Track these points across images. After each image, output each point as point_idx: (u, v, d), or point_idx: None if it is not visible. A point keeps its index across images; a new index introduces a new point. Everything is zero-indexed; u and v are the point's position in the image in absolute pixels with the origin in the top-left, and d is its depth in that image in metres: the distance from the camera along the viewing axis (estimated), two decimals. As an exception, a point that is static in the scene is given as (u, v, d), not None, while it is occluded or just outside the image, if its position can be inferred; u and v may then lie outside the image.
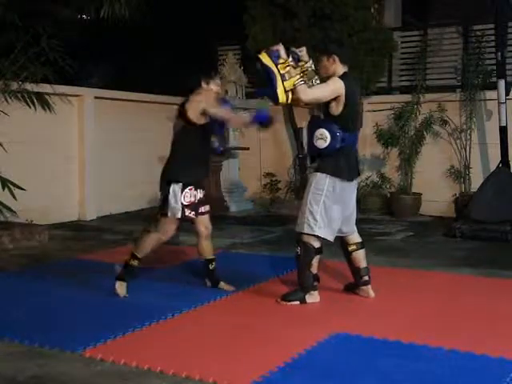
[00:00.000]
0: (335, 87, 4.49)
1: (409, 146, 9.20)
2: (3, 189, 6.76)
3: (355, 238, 4.86)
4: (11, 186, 6.79)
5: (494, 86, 8.14)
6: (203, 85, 4.73)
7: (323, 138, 4.51)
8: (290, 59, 4.52)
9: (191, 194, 4.67)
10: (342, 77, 4.54)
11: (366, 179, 9.59)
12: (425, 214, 9.17)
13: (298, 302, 4.66)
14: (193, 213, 4.70)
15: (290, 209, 9.03)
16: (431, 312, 4.50)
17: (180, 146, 4.72)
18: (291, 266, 5.65)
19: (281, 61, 4.42)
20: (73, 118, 8.61)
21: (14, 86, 7.02)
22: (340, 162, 4.57)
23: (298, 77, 4.47)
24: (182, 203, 4.60)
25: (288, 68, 4.42)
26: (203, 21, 10.71)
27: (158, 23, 10.09)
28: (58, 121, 8.15)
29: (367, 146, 9.76)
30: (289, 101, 4.51)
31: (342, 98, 4.49)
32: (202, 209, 4.84)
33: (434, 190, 9.22)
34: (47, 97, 7.49)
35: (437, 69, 9.70)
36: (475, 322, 4.25)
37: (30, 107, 7.27)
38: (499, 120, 8.04)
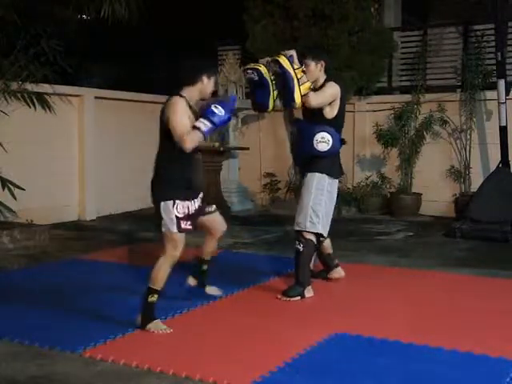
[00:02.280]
0: (334, 92, 4.73)
1: (409, 146, 9.20)
2: (3, 189, 6.76)
3: None
4: (11, 186, 6.79)
5: (494, 86, 8.14)
6: (204, 79, 4.19)
7: (325, 141, 4.70)
8: (303, 66, 4.64)
9: (184, 205, 4.16)
10: (335, 81, 4.76)
11: (366, 179, 9.60)
12: (425, 214, 9.16)
13: (298, 298, 4.74)
14: (189, 223, 4.18)
15: (290, 209, 9.03)
16: (431, 312, 4.50)
17: (166, 156, 4.19)
18: (291, 266, 5.65)
19: (296, 66, 4.55)
20: (73, 118, 8.61)
21: (14, 86, 7.01)
22: (335, 161, 4.85)
23: (310, 83, 4.64)
24: (176, 216, 4.11)
25: (302, 73, 4.57)
26: (203, 21, 10.71)
27: (158, 23, 10.09)
28: (58, 121, 8.14)
29: (367, 145, 9.76)
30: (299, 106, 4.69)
31: (338, 102, 4.74)
32: (208, 208, 4.47)
33: (434, 190, 9.21)
34: (47, 97, 7.49)
35: (437, 69, 9.70)
36: (475, 322, 4.25)
37: (30, 107, 7.26)
38: (499, 120, 8.04)
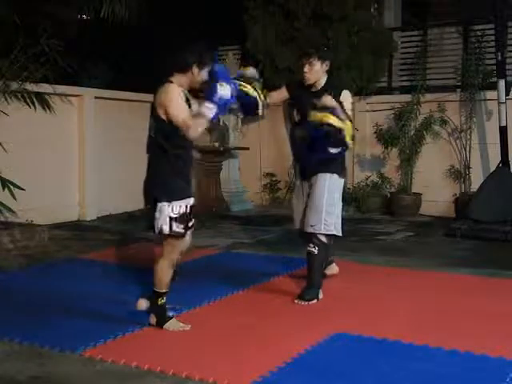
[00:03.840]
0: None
1: (409, 146, 9.20)
2: (3, 189, 6.75)
3: None
4: (11, 186, 6.79)
5: (494, 86, 8.14)
6: (194, 70, 3.88)
7: None
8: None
9: (180, 205, 3.87)
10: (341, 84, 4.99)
11: (366, 179, 9.60)
12: (425, 214, 9.16)
13: (315, 301, 4.68)
14: (181, 226, 3.87)
15: (289, 209, 9.02)
16: (431, 312, 4.50)
17: (162, 153, 3.87)
18: (291, 266, 5.66)
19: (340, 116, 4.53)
20: (73, 118, 8.60)
21: (14, 86, 7.01)
22: (342, 162, 4.88)
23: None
24: (169, 216, 3.83)
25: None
26: (203, 21, 10.71)
27: (158, 23, 10.08)
28: (58, 121, 8.13)
29: (367, 145, 9.76)
30: None
31: None
32: (191, 223, 4.03)
33: (434, 190, 9.21)
34: (47, 97, 7.48)
35: (437, 69, 9.70)
36: (475, 322, 4.25)
37: (30, 107, 7.26)
38: (499, 120, 8.03)
